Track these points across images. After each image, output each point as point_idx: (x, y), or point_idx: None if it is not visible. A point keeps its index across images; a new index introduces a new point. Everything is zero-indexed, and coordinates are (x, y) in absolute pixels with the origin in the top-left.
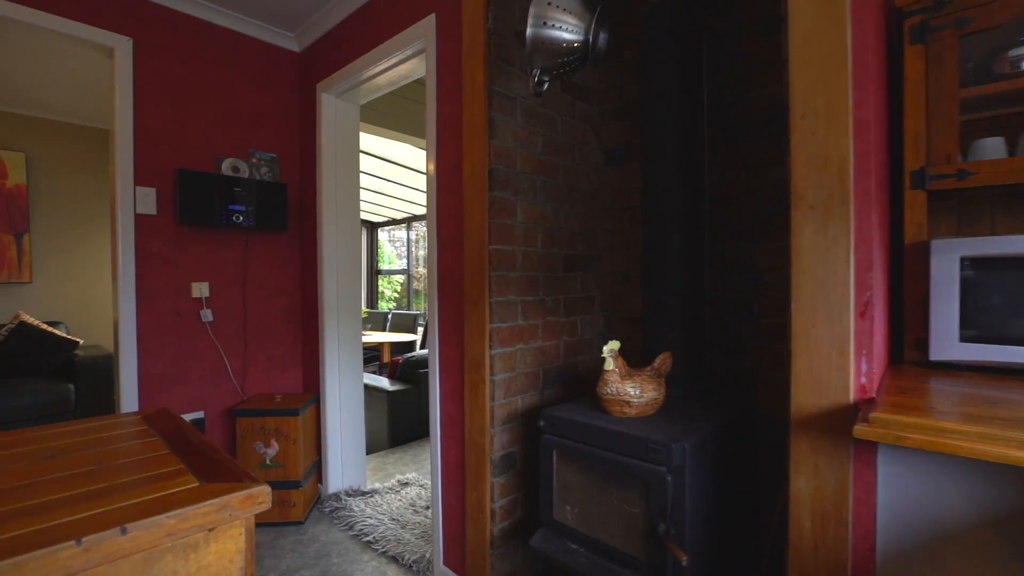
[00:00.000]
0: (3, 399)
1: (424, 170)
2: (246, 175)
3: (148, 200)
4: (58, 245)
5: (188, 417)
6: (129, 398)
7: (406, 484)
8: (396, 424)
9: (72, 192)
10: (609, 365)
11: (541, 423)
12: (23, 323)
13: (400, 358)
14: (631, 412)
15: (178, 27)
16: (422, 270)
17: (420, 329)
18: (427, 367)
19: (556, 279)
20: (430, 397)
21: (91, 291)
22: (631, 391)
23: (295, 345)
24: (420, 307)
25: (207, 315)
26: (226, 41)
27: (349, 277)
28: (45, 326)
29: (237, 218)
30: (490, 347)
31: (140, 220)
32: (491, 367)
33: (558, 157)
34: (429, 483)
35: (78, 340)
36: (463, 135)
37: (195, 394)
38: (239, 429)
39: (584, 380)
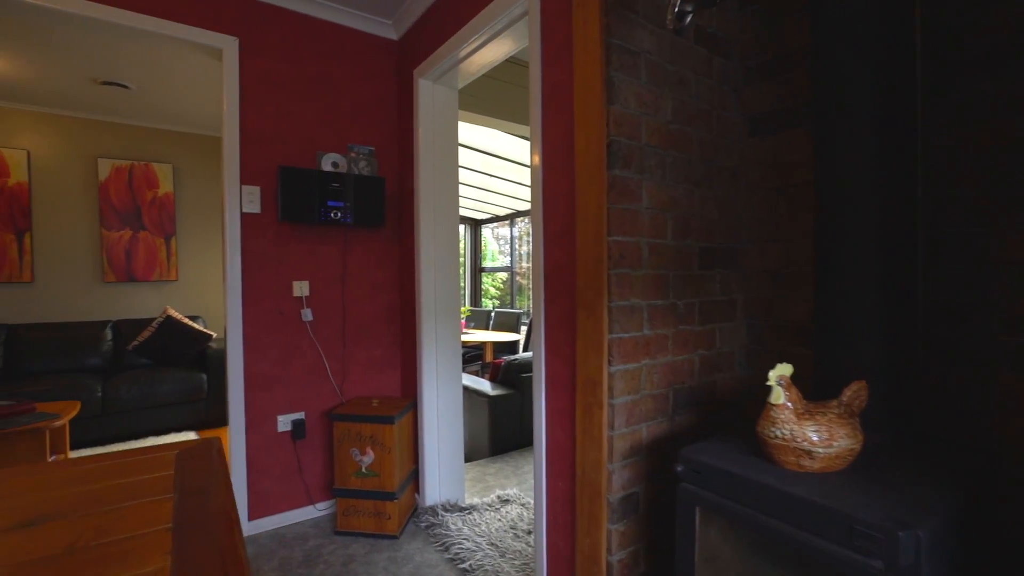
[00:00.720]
0: (152, 385)
1: (527, 163)
2: (345, 170)
3: (253, 199)
4: (197, 246)
5: (289, 418)
6: (236, 396)
7: (507, 501)
8: (497, 431)
9: (207, 197)
10: (779, 397)
11: (679, 468)
12: (169, 317)
13: (503, 360)
14: (812, 466)
15: (281, 23)
16: (526, 265)
17: (523, 328)
18: (530, 371)
19: (690, 278)
20: (535, 419)
21: (221, 288)
22: (813, 436)
23: (393, 346)
24: (523, 304)
25: (307, 314)
26: (327, 34)
27: (447, 275)
28: (187, 320)
29: (335, 215)
30: (609, 363)
31: (246, 219)
32: (610, 388)
33: (691, 126)
34: (531, 501)
35: (212, 333)
36: (575, 102)
37: (296, 394)
38: (336, 433)
39: (723, 404)
